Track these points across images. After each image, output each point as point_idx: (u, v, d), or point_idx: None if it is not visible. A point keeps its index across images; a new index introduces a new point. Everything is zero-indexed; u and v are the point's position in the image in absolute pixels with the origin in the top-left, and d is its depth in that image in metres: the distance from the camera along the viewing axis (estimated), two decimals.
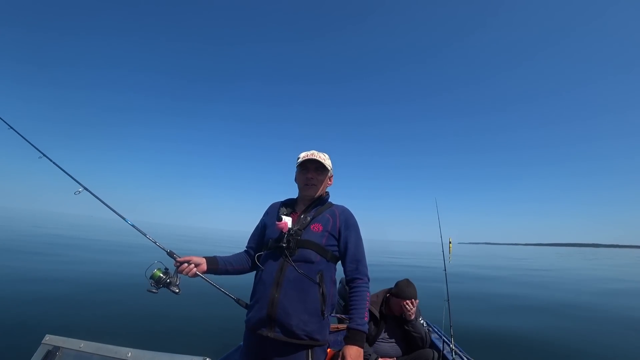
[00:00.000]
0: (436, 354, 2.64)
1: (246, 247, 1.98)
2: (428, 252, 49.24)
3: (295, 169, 1.92)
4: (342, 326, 3.17)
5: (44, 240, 18.35)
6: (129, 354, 1.23)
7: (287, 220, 1.71)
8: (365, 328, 1.64)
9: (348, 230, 1.78)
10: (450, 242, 3.67)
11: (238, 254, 1.96)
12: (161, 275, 1.70)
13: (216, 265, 1.82)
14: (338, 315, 3.37)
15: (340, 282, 3.43)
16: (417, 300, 2.78)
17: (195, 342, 4.85)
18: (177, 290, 1.73)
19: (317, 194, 1.86)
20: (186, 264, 1.72)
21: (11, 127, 2.10)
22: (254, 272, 1.85)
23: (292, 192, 1.98)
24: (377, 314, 2.83)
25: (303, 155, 1.84)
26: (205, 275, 1.82)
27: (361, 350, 1.60)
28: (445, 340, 3.21)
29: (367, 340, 2.77)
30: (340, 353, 1.61)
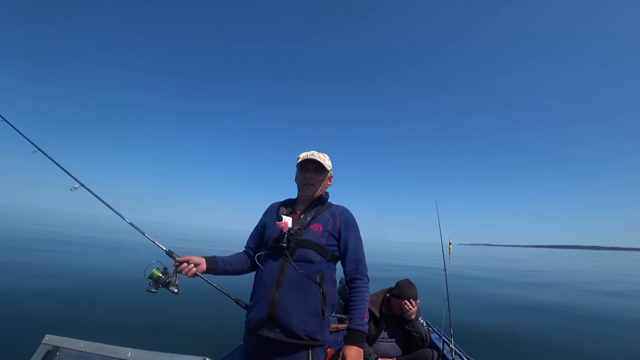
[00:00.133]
0: (436, 354, 2.64)
1: (245, 247, 1.97)
2: (428, 252, 49.26)
3: (291, 166, 1.93)
4: (342, 326, 3.17)
5: (43, 238, 18.35)
6: (129, 354, 1.23)
7: (287, 220, 1.71)
8: (365, 328, 1.64)
9: (348, 230, 1.78)
10: (450, 243, 3.67)
11: (237, 254, 1.96)
12: (160, 275, 1.68)
13: (215, 266, 1.82)
14: (338, 315, 3.37)
15: (340, 282, 3.44)
16: (418, 301, 2.78)
17: (195, 342, 4.85)
18: (176, 291, 1.71)
19: (316, 194, 1.86)
20: (185, 264, 1.71)
21: (4, 119, 2.07)
22: (253, 272, 1.85)
23: (292, 191, 1.98)
24: (377, 314, 2.84)
25: (303, 155, 1.84)
26: (205, 275, 1.82)
27: (361, 351, 1.60)
28: (445, 340, 3.21)
29: (367, 340, 2.77)
30: (340, 353, 1.60)
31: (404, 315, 2.77)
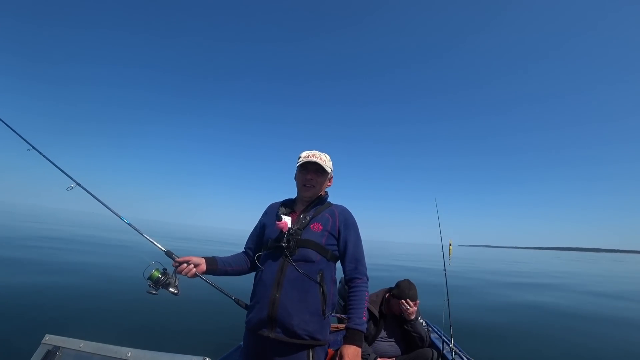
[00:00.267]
0: (436, 354, 2.63)
1: (245, 247, 1.97)
2: (428, 253, 49.25)
3: (291, 166, 1.93)
4: (342, 326, 3.17)
5: (42, 237, 18.34)
6: (129, 353, 1.23)
7: (287, 220, 1.71)
8: (364, 328, 1.64)
9: (347, 229, 1.78)
10: (450, 244, 3.67)
11: (237, 254, 1.96)
12: (160, 276, 1.67)
13: (215, 266, 1.82)
14: (338, 315, 3.37)
15: (340, 282, 3.44)
16: (418, 301, 2.77)
17: (195, 342, 4.84)
18: (176, 291, 1.71)
19: (316, 195, 1.87)
20: (185, 265, 1.71)
21: None
22: (253, 272, 1.85)
23: (292, 191, 1.98)
24: (377, 313, 2.83)
25: (304, 156, 1.84)
26: (204, 275, 1.81)
27: (359, 350, 1.60)
28: (445, 340, 3.21)
29: (367, 340, 2.77)
30: (338, 352, 1.61)
31: (403, 315, 2.77)
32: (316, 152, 1.85)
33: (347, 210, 1.86)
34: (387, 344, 2.84)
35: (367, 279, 1.76)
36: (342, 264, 1.79)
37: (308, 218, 1.75)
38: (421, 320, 2.88)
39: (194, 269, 1.72)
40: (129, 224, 1.99)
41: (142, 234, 1.95)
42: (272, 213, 1.87)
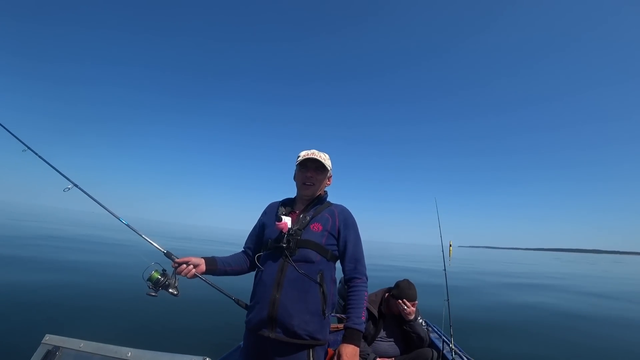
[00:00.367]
0: (436, 354, 2.63)
1: (244, 247, 1.97)
2: (428, 254, 49.25)
3: (291, 166, 1.92)
4: (342, 326, 3.16)
5: (42, 236, 18.33)
6: (129, 353, 1.23)
7: (287, 220, 1.70)
8: (362, 327, 1.64)
9: (347, 229, 1.78)
10: (450, 245, 3.67)
11: (236, 254, 1.96)
12: (159, 277, 1.66)
13: (215, 266, 1.81)
14: (338, 315, 3.37)
15: (340, 282, 3.44)
16: (416, 302, 2.77)
17: (195, 342, 4.84)
18: (176, 292, 1.70)
19: (316, 194, 1.87)
20: (185, 265, 1.71)
21: None
22: (253, 272, 1.85)
23: (292, 191, 1.99)
24: (376, 313, 2.83)
25: (303, 154, 1.83)
26: (204, 276, 1.81)
27: (357, 349, 1.60)
28: (445, 340, 3.20)
29: (366, 340, 2.77)
30: (337, 351, 1.61)
31: (402, 315, 2.76)
32: (315, 151, 1.85)
33: (347, 209, 1.85)
34: (386, 344, 2.83)
35: (367, 279, 1.76)
36: (342, 263, 1.79)
37: (308, 218, 1.75)
38: (421, 320, 2.87)
39: (194, 270, 1.72)
40: (127, 225, 1.99)
41: (140, 235, 1.94)
42: (272, 213, 1.86)
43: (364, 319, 1.66)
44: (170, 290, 1.69)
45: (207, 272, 1.79)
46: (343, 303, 3.54)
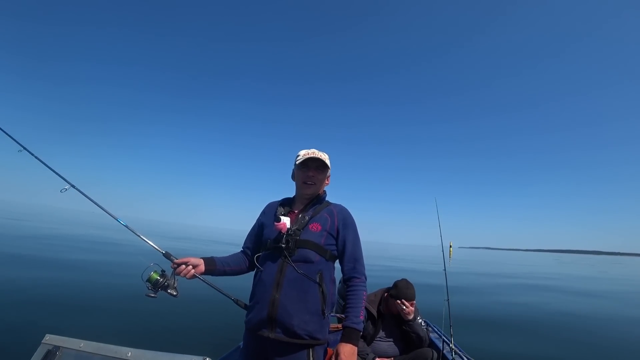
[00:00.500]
0: (435, 354, 2.62)
1: (243, 247, 1.96)
2: (428, 255, 49.26)
3: (291, 167, 1.91)
4: (342, 326, 3.16)
5: (42, 236, 18.34)
6: (129, 353, 1.23)
7: (286, 221, 1.70)
8: (361, 327, 1.65)
9: (346, 229, 1.78)
10: (450, 246, 3.67)
11: (235, 254, 1.95)
12: (158, 278, 1.66)
13: (214, 266, 1.81)
14: (338, 315, 3.36)
15: (340, 282, 3.44)
16: (414, 302, 2.76)
17: (195, 342, 4.85)
18: (175, 293, 1.69)
19: (317, 193, 1.86)
20: (184, 266, 1.70)
21: None
22: (252, 272, 1.85)
23: (292, 191, 1.98)
24: (375, 313, 2.82)
25: (304, 154, 1.83)
26: (203, 276, 1.81)
27: (355, 348, 1.60)
28: (445, 339, 3.20)
29: (365, 340, 2.77)
30: (335, 350, 1.62)
31: (401, 315, 2.76)
32: (315, 150, 1.85)
33: (346, 209, 1.85)
34: (385, 344, 2.83)
35: (366, 278, 1.76)
36: (341, 263, 1.79)
37: (307, 218, 1.75)
38: (420, 320, 2.87)
39: (193, 270, 1.72)
40: (126, 226, 1.97)
41: (139, 236, 1.93)
42: (271, 213, 1.86)
43: (362, 318, 1.67)
44: (169, 291, 1.69)
45: (206, 272, 1.78)
46: (343, 303, 3.54)
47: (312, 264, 1.66)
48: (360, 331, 1.65)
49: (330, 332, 1.75)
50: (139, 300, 1.61)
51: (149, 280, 1.65)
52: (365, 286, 1.75)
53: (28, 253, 11.74)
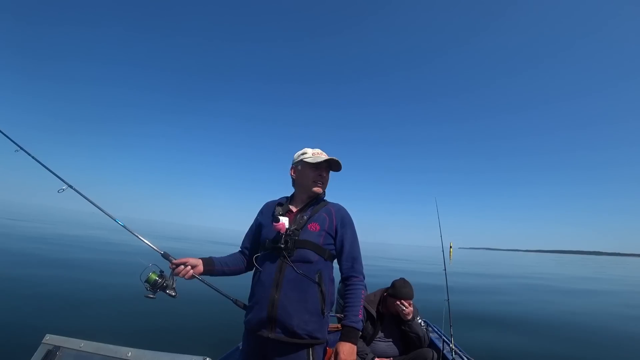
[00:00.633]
0: (435, 354, 2.61)
1: (241, 247, 1.96)
2: (429, 255, 49.27)
3: (289, 167, 1.91)
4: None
5: (42, 236, 18.34)
6: (129, 353, 1.23)
7: (284, 221, 1.70)
8: (359, 325, 1.65)
9: (344, 228, 1.78)
10: (451, 247, 3.66)
11: (233, 254, 1.95)
12: (157, 278, 1.66)
13: (212, 267, 1.81)
14: (338, 315, 3.36)
15: (340, 282, 3.43)
16: (411, 301, 2.75)
17: (195, 342, 4.85)
18: (174, 294, 1.69)
19: (320, 194, 1.87)
20: (182, 266, 1.70)
21: None
22: (251, 272, 1.85)
23: (287, 191, 1.98)
24: (374, 314, 2.82)
25: (314, 152, 1.84)
26: (202, 276, 1.80)
27: (354, 347, 1.61)
28: (445, 340, 3.19)
29: (365, 340, 2.77)
30: (334, 349, 1.62)
31: (401, 315, 2.75)
32: (321, 150, 1.87)
33: (343, 208, 1.86)
34: (385, 344, 2.82)
35: (364, 277, 1.77)
36: (339, 262, 1.79)
37: (305, 218, 1.75)
38: (420, 320, 2.86)
39: (192, 271, 1.72)
40: (124, 226, 1.96)
41: (137, 236, 1.92)
42: (268, 212, 1.85)
43: (361, 317, 1.67)
44: (168, 291, 1.68)
45: (204, 272, 1.78)
46: (343, 302, 3.53)
47: (311, 264, 1.67)
48: (359, 330, 1.66)
49: (329, 332, 1.75)
50: (139, 300, 1.61)
51: (147, 281, 1.65)
52: (364, 285, 1.76)
53: (27, 253, 11.75)
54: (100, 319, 5.55)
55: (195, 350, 2.01)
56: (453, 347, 2.84)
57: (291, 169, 1.90)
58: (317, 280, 1.65)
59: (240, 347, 1.99)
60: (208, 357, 1.17)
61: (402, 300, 2.71)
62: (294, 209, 1.83)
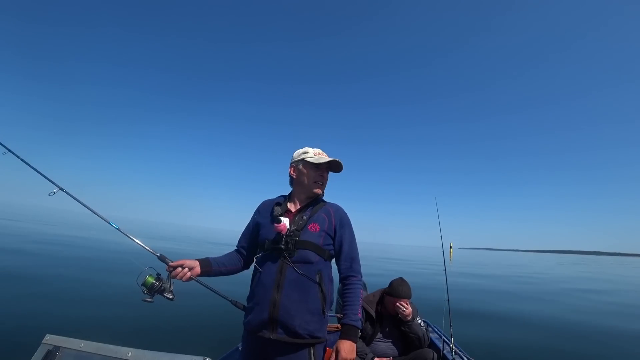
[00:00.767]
0: (435, 354, 2.61)
1: (237, 246, 1.95)
2: (429, 255, 49.28)
3: (287, 166, 1.90)
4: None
5: (42, 236, 18.35)
6: (129, 353, 1.23)
7: (285, 222, 1.70)
8: (359, 324, 1.66)
9: (343, 229, 1.79)
10: (451, 247, 3.66)
11: (230, 253, 1.94)
12: (154, 281, 1.63)
13: (210, 267, 1.80)
14: (338, 315, 3.36)
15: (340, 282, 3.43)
16: (408, 300, 2.75)
17: (195, 342, 4.85)
18: (172, 297, 1.67)
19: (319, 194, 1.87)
20: (179, 269, 1.68)
21: None
22: (247, 271, 1.86)
23: (284, 191, 1.96)
24: (373, 314, 2.82)
25: (316, 152, 1.84)
26: (199, 278, 1.79)
27: (354, 345, 1.62)
28: (445, 340, 3.19)
29: (364, 340, 2.77)
30: (334, 347, 1.63)
31: (400, 316, 2.75)
32: (321, 151, 1.86)
33: (341, 208, 1.86)
34: (384, 345, 2.82)
35: (362, 277, 1.78)
36: (337, 262, 1.80)
37: (305, 218, 1.75)
38: (419, 321, 2.86)
39: (189, 273, 1.70)
40: (118, 229, 1.94)
41: (133, 239, 1.90)
42: (266, 212, 1.84)
43: (360, 315, 1.69)
44: (165, 294, 1.66)
45: (202, 274, 1.77)
46: (342, 302, 3.53)
47: (312, 264, 1.67)
48: (359, 328, 1.67)
49: (329, 332, 1.76)
50: (139, 300, 1.60)
51: (144, 284, 1.62)
52: (362, 284, 1.77)
53: (28, 253, 11.75)
54: (100, 319, 5.55)
55: (195, 351, 2.01)
56: (453, 347, 2.84)
57: (290, 168, 1.88)
58: (317, 281, 1.65)
59: (240, 349, 1.98)
60: (208, 357, 1.17)
61: (401, 300, 2.71)
62: (293, 209, 1.82)
